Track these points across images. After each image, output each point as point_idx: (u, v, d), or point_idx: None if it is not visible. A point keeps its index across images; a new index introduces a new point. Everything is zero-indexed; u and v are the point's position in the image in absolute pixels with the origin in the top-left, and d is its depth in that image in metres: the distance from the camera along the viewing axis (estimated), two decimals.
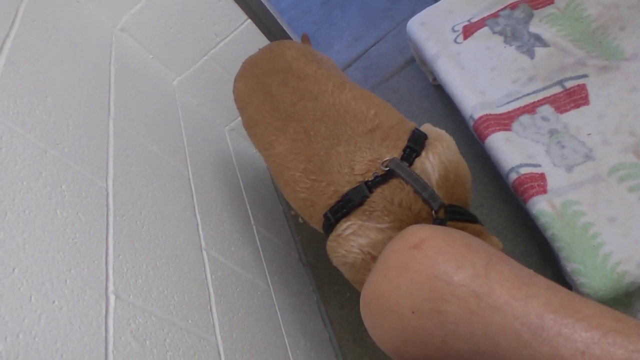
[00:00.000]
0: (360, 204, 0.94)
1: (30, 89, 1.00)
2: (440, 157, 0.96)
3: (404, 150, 0.96)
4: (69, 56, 1.21)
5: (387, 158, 0.95)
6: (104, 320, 0.77)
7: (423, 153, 0.96)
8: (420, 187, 0.91)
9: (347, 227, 0.96)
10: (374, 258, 0.93)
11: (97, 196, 0.95)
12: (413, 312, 0.46)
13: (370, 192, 0.93)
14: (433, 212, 0.91)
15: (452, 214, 0.93)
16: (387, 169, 0.94)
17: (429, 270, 0.46)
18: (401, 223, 0.92)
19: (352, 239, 0.95)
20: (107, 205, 0.97)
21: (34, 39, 1.13)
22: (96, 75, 1.27)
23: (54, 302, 0.72)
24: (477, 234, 0.92)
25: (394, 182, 0.93)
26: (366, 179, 0.95)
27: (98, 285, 0.81)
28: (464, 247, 0.46)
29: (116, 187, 1.02)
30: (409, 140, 0.98)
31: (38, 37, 1.15)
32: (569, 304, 0.42)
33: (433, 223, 0.91)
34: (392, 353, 0.49)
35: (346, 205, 0.95)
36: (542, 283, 0.44)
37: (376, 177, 0.94)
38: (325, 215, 0.99)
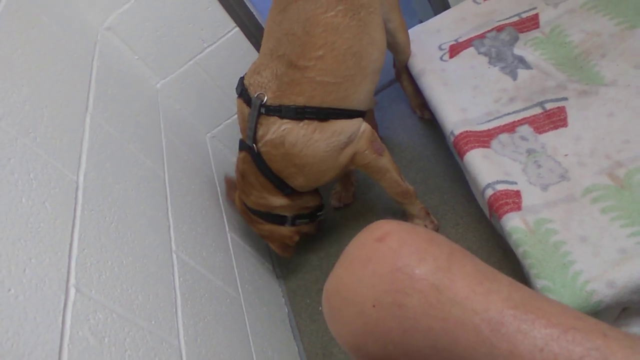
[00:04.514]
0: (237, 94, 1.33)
1: (7, 76, 0.98)
2: (289, 134, 1.21)
3: (279, 107, 1.20)
4: (51, 49, 1.20)
5: (261, 92, 1.23)
6: (61, 312, 0.75)
7: (286, 121, 1.21)
8: (249, 125, 1.25)
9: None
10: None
11: (66, 188, 0.93)
12: (374, 306, 0.45)
13: (239, 96, 1.31)
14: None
15: (255, 158, 1.29)
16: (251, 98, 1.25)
17: (391, 263, 0.45)
18: (241, 122, 1.33)
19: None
20: (76, 198, 0.95)
21: (14, 29, 1.11)
22: (77, 71, 1.25)
23: (9, 290, 0.69)
24: (260, 184, 1.35)
25: (245, 107, 1.28)
26: (250, 89, 1.27)
27: (59, 277, 0.79)
28: (427, 241, 0.45)
29: (87, 181, 1.00)
30: (299, 111, 1.19)
31: (19, 27, 1.14)
32: (531, 301, 0.41)
33: (243, 144, 1.33)
34: (351, 349, 0.48)
35: (237, 86, 1.34)
36: (504, 280, 0.43)
37: (245, 91, 1.27)
38: None
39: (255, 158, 1.30)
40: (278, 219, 1.47)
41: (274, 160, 1.28)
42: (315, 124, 1.21)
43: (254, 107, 1.23)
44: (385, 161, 1.34)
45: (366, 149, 1.29)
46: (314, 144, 1.22)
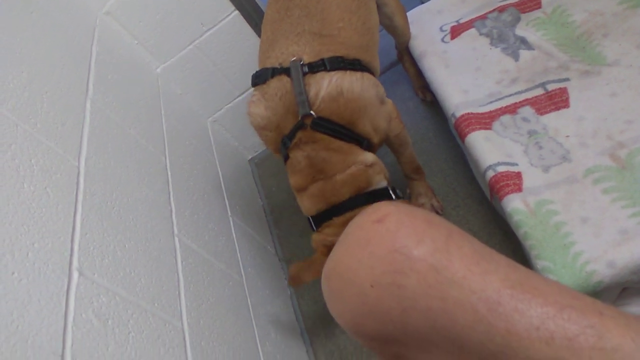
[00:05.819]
0: (264, 82, 1.17)
1: (6, 62, 0.98)
2: (343, 81, 1.12)
3: (321, 60, 1.13)
4: (50, 35, 1.19)
5: (295, 58, 1.13)
6: (65, 296, 0.76)
7: (334, 72, 1.13)
8: (297, 91, 1.11)
9: (253, 94, 1.21)
10: (261, 128, 1.20)
11: (67, 173, 0.94)
12: (372, 286, 0.45)
13: (272, 77, 1.15)
14: (300, 116, 1.12)
15: (318, 125, 1.12)
16: (287, 66, 1.14)
17: (390, 244, 0.45)
18: (277, 111, 1.16)
19: (253, 104, 1.20)
20: (78, 183, 0.95)
21: (13, 14, 1.11)
22: (77, 56, 1.25)
23: (13, 273, 0.70)
24: (337, 150, 1.15)
25: (283, 78, 1.13)
26: (278, 65, 1.16)
27: (62, 261, 0.79)
28: (426, 222, 0.45)
29: (88, 166, 1.00)
30: (340, 60, 1.14)
31: (18, 12, 1.13)
32: (528, 281, 0.41)
33: (295, 126, 1.14)
34: (351, 328, 0.49)
35: (258, 77, 1.19)
36: (502, 260, 0.43)
37: (279, 67, 1.15)
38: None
39: (318, 124, 1.13)
40: (381, 193, 1.19)
41: (337, 112, 1.13)
42: (358, 72, 1.16)
43: (296, 70, 1.12)
44: (407, 134, 1.35)
45: (397, 116, 1.30)
46: (367, 87, 1.16)
